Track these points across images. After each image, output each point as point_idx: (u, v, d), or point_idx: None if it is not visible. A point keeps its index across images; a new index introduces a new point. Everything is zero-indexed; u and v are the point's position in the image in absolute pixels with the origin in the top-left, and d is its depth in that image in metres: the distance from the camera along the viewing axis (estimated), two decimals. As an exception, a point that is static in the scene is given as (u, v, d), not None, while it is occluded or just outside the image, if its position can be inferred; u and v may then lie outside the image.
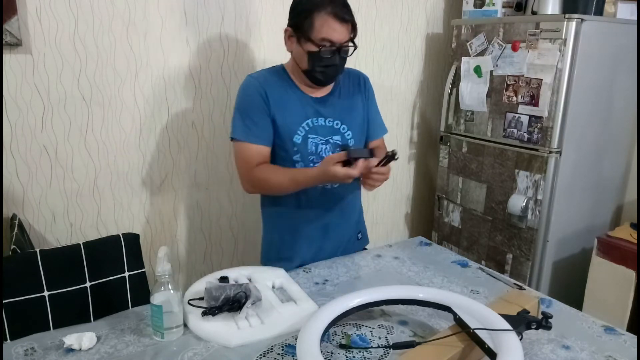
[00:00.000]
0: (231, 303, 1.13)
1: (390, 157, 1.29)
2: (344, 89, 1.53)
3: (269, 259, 1.61)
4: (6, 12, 1.54)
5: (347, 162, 1.28)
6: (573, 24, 1.94)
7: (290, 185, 1.41)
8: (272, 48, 2.10)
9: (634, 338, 1.14)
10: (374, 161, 1.30)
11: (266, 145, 1.44)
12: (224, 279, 1.29)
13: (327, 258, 1.55)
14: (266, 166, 1.44)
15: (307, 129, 1.45)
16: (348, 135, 1.50)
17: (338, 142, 1.49)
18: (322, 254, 1.56)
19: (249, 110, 1.42)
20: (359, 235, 1.68)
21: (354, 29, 1.39)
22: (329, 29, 1.33)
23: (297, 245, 1.54)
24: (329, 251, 1.57)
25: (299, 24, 1.36)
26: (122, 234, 1.37)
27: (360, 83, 1.57)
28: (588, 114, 2.12)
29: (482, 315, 1.02)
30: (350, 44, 1.39)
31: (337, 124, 1.49)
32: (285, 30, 1.42)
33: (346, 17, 1.34)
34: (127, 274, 1.37)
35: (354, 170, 1.27)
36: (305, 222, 1.53)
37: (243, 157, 1.44)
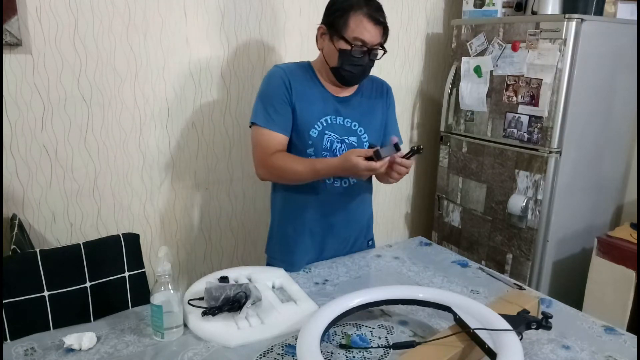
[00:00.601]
0: (231, 303, 1.13)
1: (416, 151, 1.30)
2: (366, 93, 1.55)
3: (271, 249, 1.63)
4: (6, 12, 1.54)
5: (370, 159, 1.28)
6: (573, 24, 1.94)
7: (309, 173, 1.40)
8: (272, 48, 2.10)
9: (634, 338, 1.14)
10: (399, 154, 1.31)
11: (285, 135, 1.45)
12: (224, 279, 1.29)
13: (331, 257, 1.56)
14: (284, 154, 1.45)
15: (324, 124, 1.47)
16: (364, 138, 1.51)
17: (353, 143, 1.50)
18: (325, 252, 1.56)
19: (272, 97, 1.44)
20: (369, 242, 1.68)
21: (385, 33, 1.41)
22: (363, 29, 1.36)
23: (301, 238, 1.54)
24: (333, 250, 1.57)
25: (333, 22, 1.39)
26: (122, 234, 1.37)
27: (383, 90, 1.59)
28: (588, 114, 2.12)
29: (482, 315, 1.02)
30: (380, 47, 1.42)
31: (354, 125, 1.50)
32: (319, 28, 1.45)
33: (380, 19, 1.37)
34: (127, 274, 1.37)
35: (377, 164, 1.26)
36: (310, 218, 1.53)
37: (261, 143, 1.44)
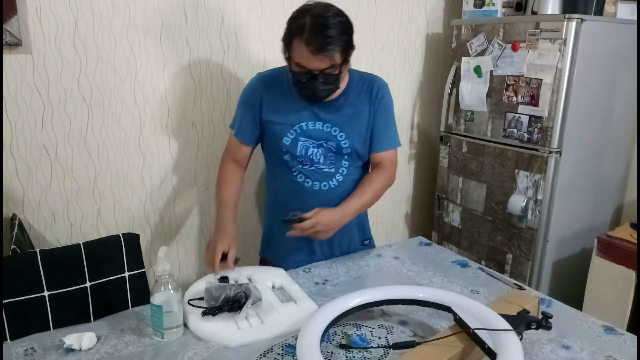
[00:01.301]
0: (231, 303, 1.13)
1: (289, 220, 1.36)
2: (352, 95, 1.50)
3: (264, 250, 1.67)
4: (6, 12, 1.54)
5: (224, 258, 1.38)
6: (573, 24, 1.94)
7: (216, 204, 1.55)
8: (271, 48, 2.10)
9: (634, 338, 1.14)
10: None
11: (245, 143, 1.55)
12: (224, 279, 1.30)
13: (320, 260, 1.54)
14: (229, 170, 1.56)
15: (298, 131, 1.46)
16: (344, 143, 1.48)
17: (332, 147, 1.48)
18: (314, 257, 1.55)
19: (243, 106, 1.54)
20: (366, 242, 1.68)
21: (343, 52, 1.33)
22: (303, 57, 1.31)
23: (286, 239, 1.48)
24: (322, 254, 1.57)
25: (285, 42, 1.37)
26: (122, 234, 1.37)
27: (372, 91, 1.51)
28: (588, 114, 2.12)
29: (482, 315, 1.02)
30: (331, 72, 1.33)
31: (335, 131, 1.48)
32: (282, 40, 1.41)
33: (320, 50, 1.28)
34: (127, 274, 1.37)
35: (213, 265, 1.35)
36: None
37: (228, 145, 1.61)
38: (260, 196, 2.24)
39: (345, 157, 1.50)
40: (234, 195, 1.53)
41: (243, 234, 2.26)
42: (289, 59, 1.38)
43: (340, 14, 1.35)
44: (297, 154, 1.47)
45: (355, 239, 1.64)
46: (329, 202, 1.50)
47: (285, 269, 1.44)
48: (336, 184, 1.52)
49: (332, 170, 1.50)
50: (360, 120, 1.51)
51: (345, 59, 1.36)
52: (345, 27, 1.34)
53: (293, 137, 1.46)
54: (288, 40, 1.34)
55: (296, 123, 1.46)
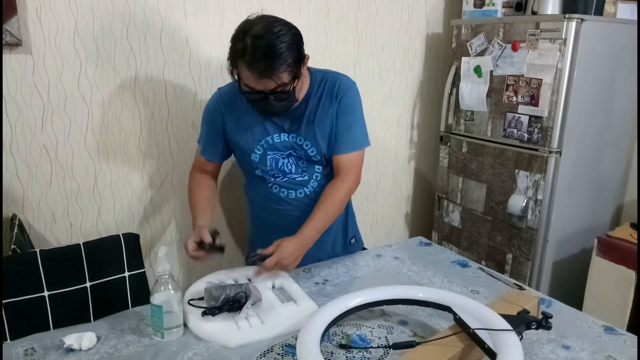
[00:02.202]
0: (231, 303, 1.13)
1: (252, 261, 1.32)
2: (313, 101, 1.43)
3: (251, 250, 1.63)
4: (6, 12, 1.54)
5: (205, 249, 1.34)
6: (573, 24, 1.94)
7: (190, 208, 1.52)
8: (272, 48, 2.10)
9: (634, 338, 1.14)
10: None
11: (214, 161, 1.57)
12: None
13: (309, 264, 1.51)
14: (197, 181, 1.56)
15: (265, 146, 1.45)
16: (311, 151, 1.45)
17: (301, 155, 1.46)
18: (306, 259, 1.44)
19: (206, 123, 1.55)
20: (352, 240, 1.67)
21: (291, 71, 1.26)
22: (249, 80, 1.26)
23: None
24: (309, 258, 1.47)
25: (230, 62, 1.30)
26: (122, 234, 1.37)
27: (334, 96, 1.43)
28: (588, 114, 2.12)
29: (482, 315, 1.02)
30: (281, 90, 1.28)
31: (300, 140, 1.45)
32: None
33: (264, 76, 1.23)
34: (127, 274, 1.37)
35: (191, 252, 1.31)
36: (276, 229, 1.43)
37: (194, 158, 1.63)
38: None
39: (316, 163, 1.48)
40: (205, 194, 1.52)
41: (244, 233, 2.26)
42: (238, 79, 1.31)
43: (283, 28, 1.25)
44: (268, 167, 1.47)
45: (339, 239, 1.62)
46: (306, 208, 1.47)
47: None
48: (311, 189, 1.50)
49: (306, 177, 1.49)
50: (324, 126, 1.44)
51: (296, 75, 1.28)
52: (290, 43, 1.25)
53: (261, 153, 1.46)
54: (232, 61, 1.28)
55: (262, 138, 1.44)
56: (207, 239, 1.31)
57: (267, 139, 1.45)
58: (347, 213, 1.64)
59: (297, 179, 1.48)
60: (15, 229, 1.53)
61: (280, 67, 1.23)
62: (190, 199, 1.55)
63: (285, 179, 1.48)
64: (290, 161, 1.47)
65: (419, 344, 1.00)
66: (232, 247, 2.24)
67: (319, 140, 1.44)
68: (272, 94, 1.28)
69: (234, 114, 1.46)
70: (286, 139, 1.45)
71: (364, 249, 1.71)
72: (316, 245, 1.43)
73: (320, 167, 1.49)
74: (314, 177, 1.50)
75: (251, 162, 1.48)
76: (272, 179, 1.49)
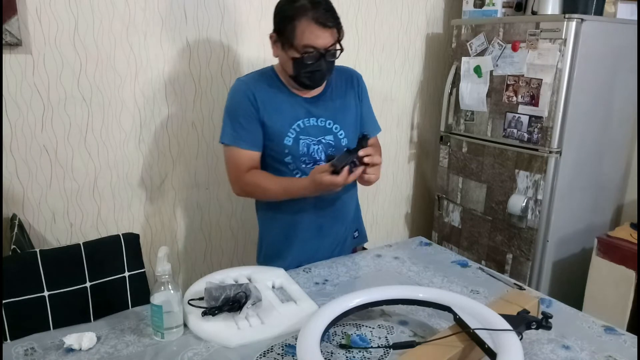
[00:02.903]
0: (231, 303, 1.13)
1: (361, 139, 1.32)
2: (336, 88, 1.52)
3: (263, 259, 1.61)
4: (6, 12, 1.54)
5: (335, 171, 1.28)
6: (573, 24, 1.94)
7: (282, 194, 1.43)
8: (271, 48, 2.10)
9: (634, 338, 1.14)
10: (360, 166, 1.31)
11: (255, 150, 1.45)
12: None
13: (323, 259, 1.54)
14: (258, 172, 1.45)
15: (298, 130, 1.45)
16: (341, 134, 1.49)
17: (331, 142, 1.48)
18: (318, 255, 1.55)
19: (237, 114, 1.43)
20: (356, 234, 1.67)
21: (339, 31, 1.36)
22: (312, 35, 1.31)
23: (292, 248, 1.53)
24: (325, 251, 1.56)
25: (282, 30, 1.35)
26: (122, 234, 1.37)
27: (353, 81, 1.55)
28: (588, 114, 2.12)
29: (482, 315, 1.02)
30: (337, 47, 1.37)
31: (329, 124, 1.48)
32: (270, 36, 1.41)
33: (329, 22, 1.31)
34: (127, 274, 1.37)
35: (339, 178, 1.27)
36: (299, 225, 1.52)
37: (233, 162, 1.45)
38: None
39: (344, 149, 1.49)
40: (271, 175, 1.46)
41: (244, 233, 2.26)
42: (289, 47, 1.35)
43: None
44: (300, 153, 1.45)
45: (350, 232, 1.64)
46: (331, 198, 1.51)
47: (286, 269, 1.44)
48: None
49: None
50: (348, 111, 1.53)
51: (340, 36, 1.38)
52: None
53: (294, 137, 1.45)
54: (289, 24, 1.32)
55: (294, 122, 1.45)
56: (329, 164, 1.28)
57: (299, 122, 1.45)
58: (357, 205, 1.67)
59: None
60: (15, 229, 1.53)
61: (337, 20, 1.35)
62: (270, 186, 1.43)
63: (314, 166, 1.46)
64: (320, 148, 1.47)
65: (419, 344, 0.99)
66: (233, 247, 2.25)
67: (347, 124, 1.50)
68: (327, 54, 1.35)
69: (264, 95, 1.43)
70: (316, 123, 1.47)
71: (364, 248, 1.71)
72: (329, 237, 1.54)
73: None
74: None
75: (283, 146, 1.44)
76: (303, 166, 1.46)
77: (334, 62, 1.41)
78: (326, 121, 1.48)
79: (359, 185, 1.67)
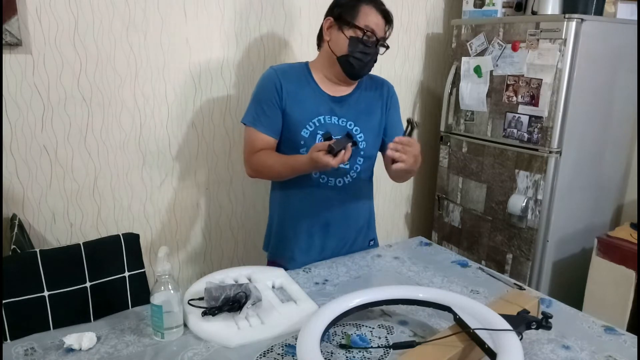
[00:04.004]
0: (231, 303, 1.13)
1: (410, 123, 1.37)
2: (364, 92, 1.55)
3: (270, 245, 1.64)
4: (6, 12, 1.54)
5: (331, 152, 1.29)
6: (573, 24, 1.94)
7: (285, 169, 1.45)
8: (272, 48, 2.10)
9: (634, 338, 1.14)
10: (398, 138, 1.34)
11: (271, 136, 1.48)
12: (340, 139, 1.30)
13: (330, 257, 1.55)
14: (265, 152, 1.48)
15: (317, 125, 1.47)
16: (360, 137, 1.51)
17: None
18: (324, 253, 1.56)
19: (261, 99, 1.48)
20: (371, 243, 1.68)
21: (389, 29, 1.48)
22: (374, 18, 1.42)
23: (298, 239, 1.55)
24: (332, 251, 1.57)
25: (343, 13, 1.43)
26: (122, 234, 1.37)
27: (383, 90, 1.59)
28: (588, 114, 2.12)
29: (482, 315, 1.02)
30: (385, 41, 1.46)
31: (350, 125, 1.50)
32: (326, 20, 1.48)
33: (389, 16, 1.46)
34: (127, 274, 1.37)
35: (333, 161, 1.27)
36: (306, 216, 1.54)
37: (248, 142, 1.51)
38: (263, 197, 2.24)
39: (361, 153, 1.52)
40: (277, 155, 1.48)
41: (244, 233, 2.26)
42: (349, 27, 1.42)
43: None
44: None
45: (360, 237, 1.65)
46: (342, 198, 1.53)
47: (292, 269, 1.44)
48: (350, 180, 1.53)
49: (347, 166, 1.51)
50: (373, 116, 1.55)
51: (389, 34, 1.50)
52: None
53: (312, 130, 1.47)
54: (354, 7, 1.42)
55: (314, 116, 1.47)
56: (327, 144, 1.29)
57: (320, 118, 1.47)
58: (371, 213, 1.68)
59: (339, 166, 1.47)
60: (15, 229, 1.53)
61: (392, 19, 1.48)
62: (274, 164, 1.45)
63: None
64: None
65: (419, 344, 0.99)
66: (233, 247, 2.25)
67: (368, 128, 1.53)
68: (378, 42, 1.44)
69: (291, 86, 1.47)
70: (336, 122, 1.49)
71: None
72: (335, 236, 1.57)
73: (362, 160, 1.53)
74: (354, 168, 1.53)
75: (299, 138, 1.46)
76: None
77: (377, 55, 1.47)
78: (347, 122, 1.50)
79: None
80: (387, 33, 1.47)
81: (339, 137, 1.40)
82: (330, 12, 1.48)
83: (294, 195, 1.54)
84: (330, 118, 1.49)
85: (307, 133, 1.46)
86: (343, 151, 1.28)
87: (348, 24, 1.43)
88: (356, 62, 1.44)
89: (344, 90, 1.52)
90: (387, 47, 1.48)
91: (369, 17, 1.42)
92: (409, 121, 1.36)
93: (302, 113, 1.47)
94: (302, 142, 1.47)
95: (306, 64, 1.54)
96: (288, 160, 1.44)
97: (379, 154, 1.62)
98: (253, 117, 1.48)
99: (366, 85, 1.56)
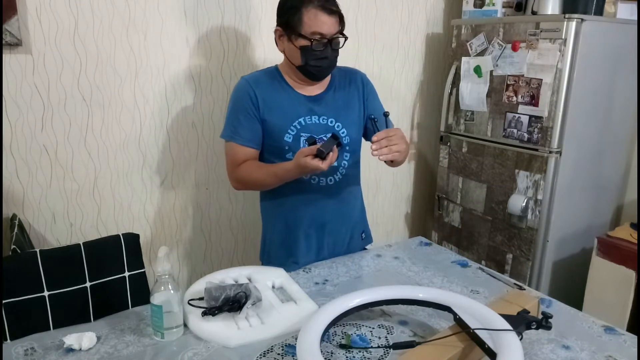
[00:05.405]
0: (231, 303, 1.13)
1: (372, 119, 1.37)
2: (339, 87, 1.53)
3: (267, 255, 1.62)
4: (6, 12, 1.54)
5: (319, 156, 1.29)
6: (573, 24, 1.94)
7: (271, 179, 1.44)
8: (272, 47, 2.09)
9: (634, 338, 1.14)
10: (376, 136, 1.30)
11: (252, 147, 1.47)
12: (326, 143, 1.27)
13: (328, 257, 1.55)
14: (248, 163, 1.47)
15: (298, 127, 1.46)
16: (343, 132, 1.50)
17: None
18: (322, 252, 1.56)
19: (237, 111, 1.46)
20: (363, 235, 1.68)
21: (341, 20, 1.40)
22: (318, 22, 1.35)
23: (296, 244, 1.54)
24: (329, 250, 1.57)
25: (288, 21, 1.38)
26: (122, 234, 1.37)
27: (357, 81, 1.56)
28: (588, 114, 2.12)
29: (482, 315, 1.02)
30: (340, 36, 1.40)
31: (331, 122, 1.49)
32: (275, 31, 1.45)
33: (333, 8, 1.36)
34: (127, 274, 1.37)
35: (323, 164, 1.27)
36: (302, 220, 1.54)
37: (229, 156, 1.49)
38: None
39: (346, 148, 1.52)
40: (261, 164, 1.48)
41: (244, 233, 2.26)
42: (296, 36, 1.37)
43: None
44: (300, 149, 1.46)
45: (356, 233, 1.65)
46: (334, 197, 1.52)
47: (288, 270, 1.44)
48: (340, 177, 1.53)
49: (335, 164, 1.50)
50: (352, 110, 1.54)
51: (343, 26, 1.42)
52: None
53: (294, 134, 1.46)
54: (296, 14, 1.36)
55: (295, 119, 1.46)
56: (314, 148, 1.28)
57: (300, 120, 1.46)
58: (362, 205, 1.68)
59: None
60: (15, 229, 1.53)
61: (339, 9, 1.39)
62: (259, 174, 1.44)
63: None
64: None
65: (419, 344, 0.99)
66: (233, 247, 2.25)
67: (349, 122, 1.51)
68: (333, 42, 1.39)
69: (265, 93, 1.46)
70: (317, 121, 1.48)
71: (364, 248, 1.71)
72: (332, 235, 1.56)
73: (348, 155, 1.53)
74: (342, 165, 1.53)
75: (283, 144, 1.46)
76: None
77: (338, 51, 1.43)
78: (328, 119, 1.49)
79: (362, 185, 1.67)
80: (340, 26, 1.40)
81: (322, 137, 1.40)
82: (277, 20, 1.44)
83: (287, 202, 1.53)
84: (311, 118, 1.47)
85: (290, 138, 1.46)
86: (331, 153, 1.28)
87: (295, 33, 1.38)
88: (315, 69, 1.42)
89: (318, 89, 1.51)
90: (346, 38, 1.42)
91: (313, 22, 1.35)
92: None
93: (281, 118, 1.45)
94: (286, 148, 1.46)
95: (276, 67, 1.52)
96: (273, 168, 1.43)
97: (363, 143, 1.60)
98: (231, 130, 1.46)
99: (340, 79, 1.54)
